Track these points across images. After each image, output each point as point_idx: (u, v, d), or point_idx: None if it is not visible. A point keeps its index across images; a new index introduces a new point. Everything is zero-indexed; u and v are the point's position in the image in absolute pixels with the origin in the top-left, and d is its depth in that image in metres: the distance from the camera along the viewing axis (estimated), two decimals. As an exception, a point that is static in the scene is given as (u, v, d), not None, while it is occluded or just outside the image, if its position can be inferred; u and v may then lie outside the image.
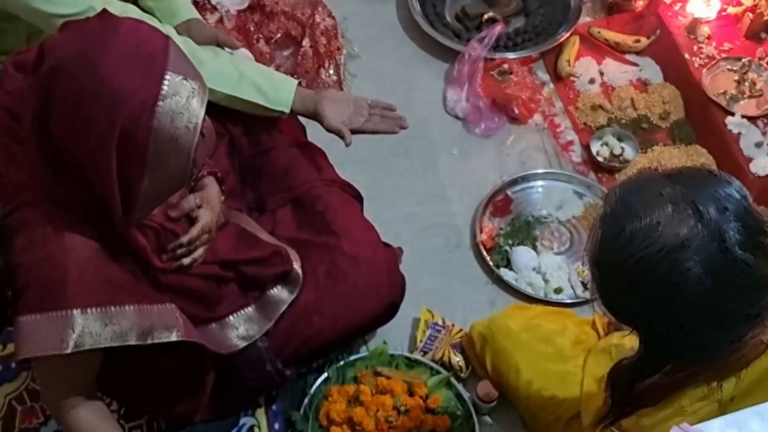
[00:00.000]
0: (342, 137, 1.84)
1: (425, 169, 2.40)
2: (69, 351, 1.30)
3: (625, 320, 1.21)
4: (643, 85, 2.51)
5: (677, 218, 1.08)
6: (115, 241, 1.36)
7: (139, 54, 1.22)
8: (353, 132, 1.86)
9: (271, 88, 1.82)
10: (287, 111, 1.84)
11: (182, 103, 1.23)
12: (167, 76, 1.21)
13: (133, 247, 1.39)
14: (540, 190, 2.34)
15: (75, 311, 1.30)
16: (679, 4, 2.53)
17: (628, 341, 1.70)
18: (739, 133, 2.22)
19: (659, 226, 1.09)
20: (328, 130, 1.87)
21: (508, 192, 2.33)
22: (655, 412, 1.25)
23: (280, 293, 1.72)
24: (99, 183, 1.26)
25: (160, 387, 1.69)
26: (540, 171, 2.36)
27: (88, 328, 1.31)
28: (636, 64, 2.56)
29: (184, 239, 1.51)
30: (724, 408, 1.18)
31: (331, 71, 2.57)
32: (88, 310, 1.32)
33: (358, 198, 1.99)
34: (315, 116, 1.87)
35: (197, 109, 1.25)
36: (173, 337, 1.44)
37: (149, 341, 1.39)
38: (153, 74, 1.21)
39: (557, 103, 2.52)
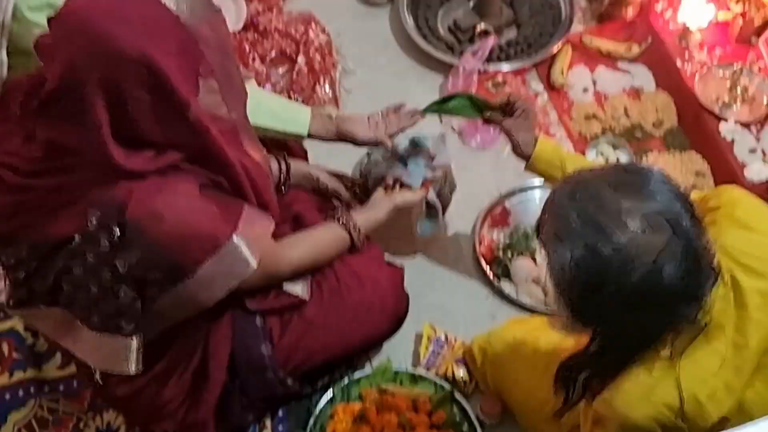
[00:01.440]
0: (382, 143, 1.93)
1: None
2: (256, 265, 1.48)
3: (591, 327, 1.30)
4: (635, 93, 2.53)
5: (648, 231, 1.16)
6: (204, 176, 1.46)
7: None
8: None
9: (288, 113, 1.87)
10: (305, 133, 1.89)
11: None
12: None
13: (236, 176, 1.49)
14: (538, 201, 2.35)
15: (234, 236, 1.44)
16: (670, 12, 2.55)
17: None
18: (733, 140, 2.25)
19: (636, 243, 1.16)
20: (364, 143, 1.95)
21: (506, 204, 2.34)
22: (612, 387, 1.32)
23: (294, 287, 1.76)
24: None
25: (170, 396, 1.72)
26: (537, 182, 2.37)
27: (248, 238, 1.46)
28: (628, 72, 2.58)
29: None
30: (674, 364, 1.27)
31: (327, 88, 2.58)
32: (237, 227, 1.45)
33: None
34: (342, 136, 1.93)
35: None
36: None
37: None
38: None
39: (552, 113, 2.54)
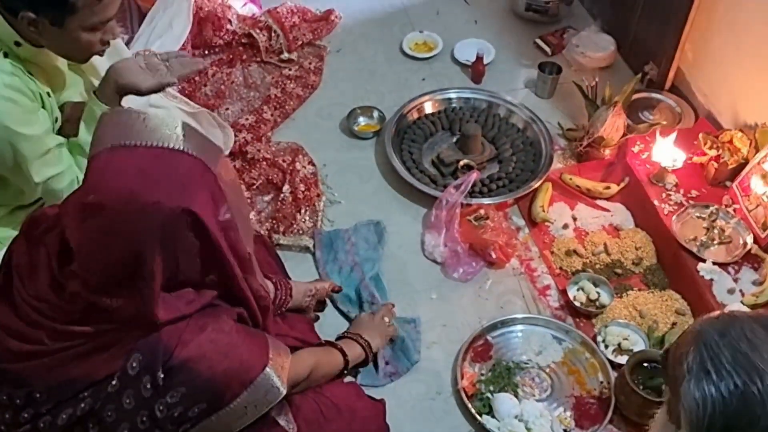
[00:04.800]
0: (168, 85, 2.02)
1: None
2: (285, 391, 1.56)
3: None
4: (615, 230, 2.59)
5: None
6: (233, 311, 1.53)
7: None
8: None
9: None
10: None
11: None
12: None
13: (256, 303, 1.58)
14: (519, 334, 2.35)
15: (266, 368, 1.51)
16: (646, 153, 2.64)
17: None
18: (712, 280, 2.27)
19: None
20: (149, 92, 1.99)
21: (488, 337, 2.34)
22: None
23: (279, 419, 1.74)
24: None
25: None
26: (519, 316, 2.38)
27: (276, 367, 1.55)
28: (607, 210, 2.64)
29: None
30: None
31: (307, 217, 2.61)
32: (269, 359, 1.53)
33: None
34: (124, 90, 1.96)
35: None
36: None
37: None
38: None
39: (533, 248, 2.58)
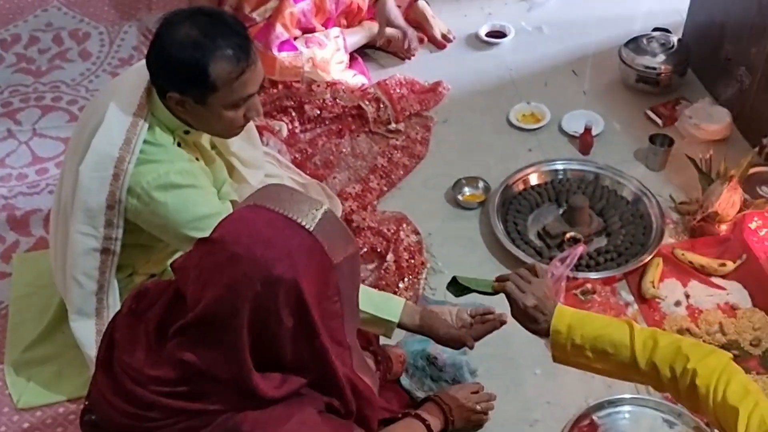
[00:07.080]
0: (464, 343, 1.99)
1: (508, 389, 2.36)
2: None
3: None
4: (731, 309, 2.47)
5: None
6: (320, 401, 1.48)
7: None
8: None
9: (383, 300, 1.96)
10: (396, 321, 1.95)
11: None
12: None
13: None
14: (627, 416, 2.25)
15: None
16: (765, 230, 2.53)
17: None
18: (838, 366, 2.14)
19: None
20: (445, 343, 2.00)
21: (594, 417, 2.24)
22: None
23: None
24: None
25: None
26: (627, 396, 2.28)
27: None
28: (723, 288, 2.53)
29: None
30: None
31: (409, 286, 2.61)
32: None
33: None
34: (423, 330, 1.98)
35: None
36: None
37: None
38: None
39: (642, 325, 2.48)
